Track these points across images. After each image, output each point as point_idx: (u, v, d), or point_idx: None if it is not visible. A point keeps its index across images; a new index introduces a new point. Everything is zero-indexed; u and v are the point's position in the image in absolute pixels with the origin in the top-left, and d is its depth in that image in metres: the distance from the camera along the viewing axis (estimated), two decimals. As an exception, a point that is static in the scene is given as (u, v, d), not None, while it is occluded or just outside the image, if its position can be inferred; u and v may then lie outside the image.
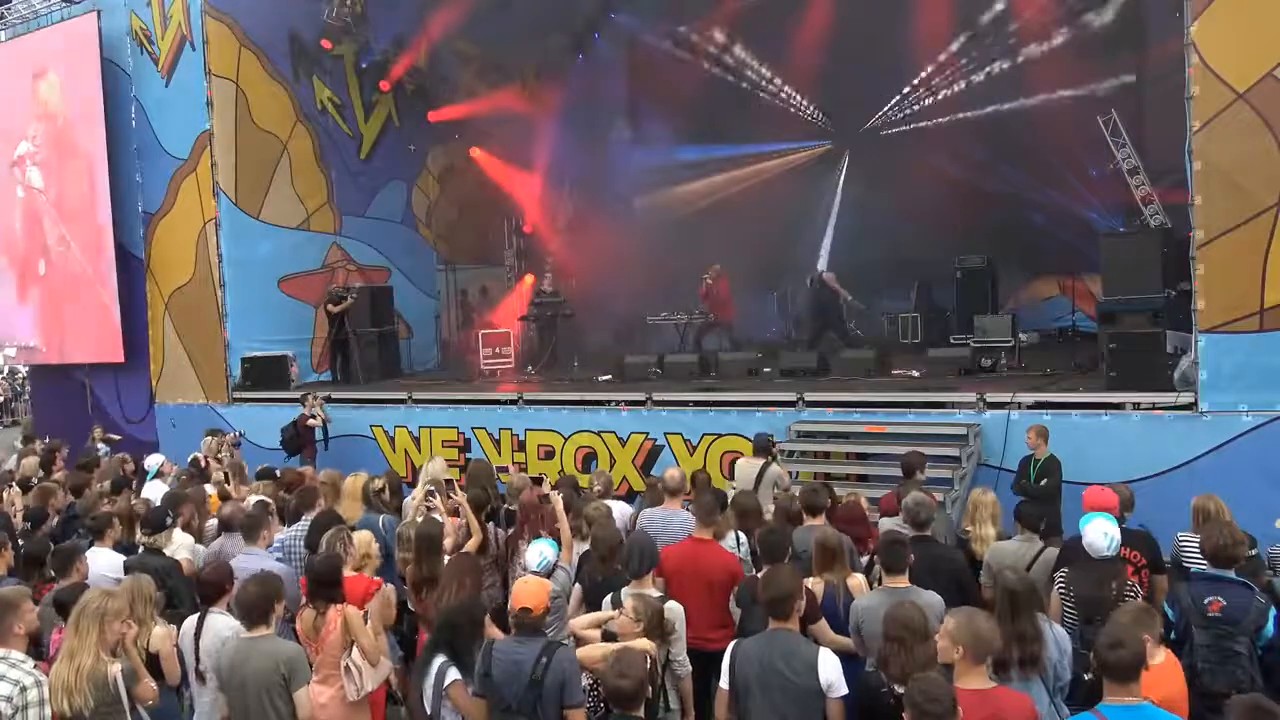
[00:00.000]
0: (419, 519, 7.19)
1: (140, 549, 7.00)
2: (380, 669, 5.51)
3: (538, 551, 5.93)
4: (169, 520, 7.12)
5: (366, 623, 5.51)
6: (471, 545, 6.92)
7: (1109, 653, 3.95)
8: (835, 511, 7.03)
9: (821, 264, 18.17)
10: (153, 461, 10.56)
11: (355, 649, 5.42)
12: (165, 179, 16.33)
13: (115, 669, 4.73)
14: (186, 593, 6.50)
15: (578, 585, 6.22)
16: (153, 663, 5.40)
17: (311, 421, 13.31)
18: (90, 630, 4.71)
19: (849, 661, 5.07)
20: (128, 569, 6.55)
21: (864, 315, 16.89)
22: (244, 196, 15.97)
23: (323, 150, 17.11)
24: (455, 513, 7.38)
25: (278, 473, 9.86)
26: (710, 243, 19.54)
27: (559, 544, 6.34)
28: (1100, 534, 5.55)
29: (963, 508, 8.31)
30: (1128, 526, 6.47)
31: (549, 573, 5.92)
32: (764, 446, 9.19)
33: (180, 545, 7.20)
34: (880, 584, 5.56)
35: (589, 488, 8.59)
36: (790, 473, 10.72)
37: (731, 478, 11.11)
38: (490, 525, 7.28)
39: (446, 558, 6.47)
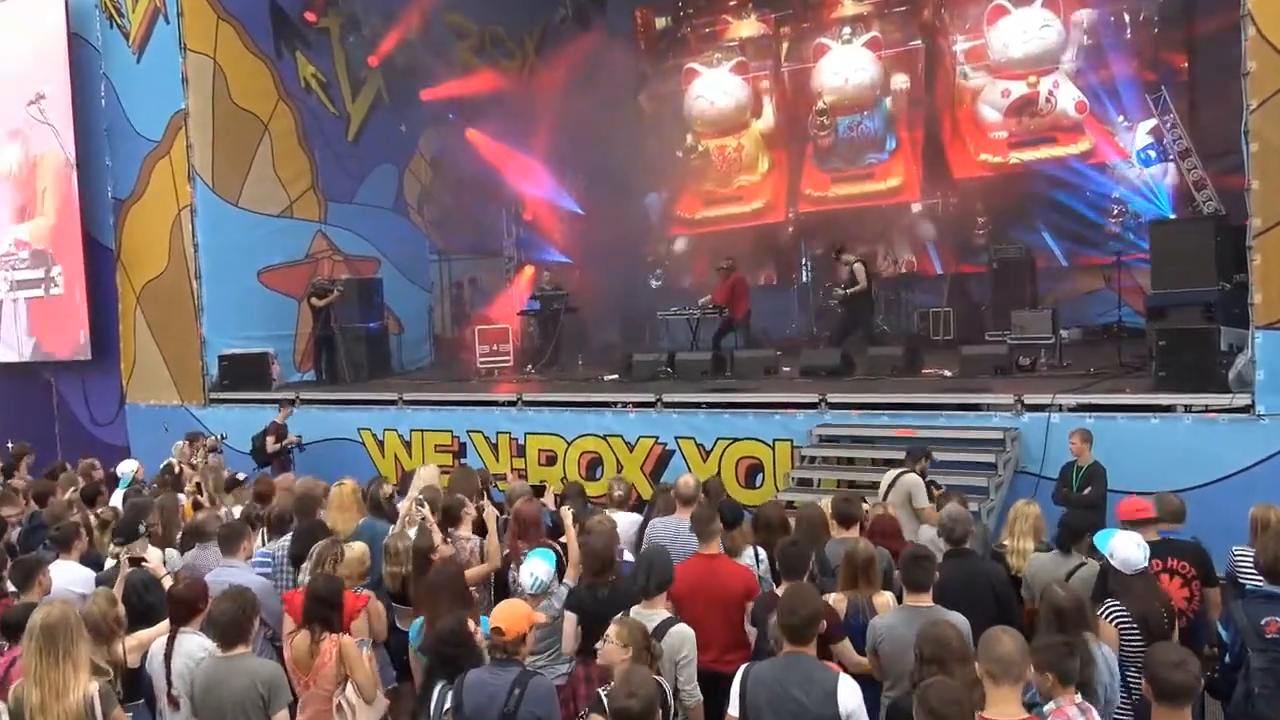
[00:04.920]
0: (410, 531, 7.17)
1: (115, 561, 6.98)
2: (376, 706, 5.47)
3: (528, 570, 5.86)
4: (143, 528, 7.11)
5: (363, 652, 5.49)
6: (487, 567, 6.94)
7: (1172, 672, 3.99)
8: (867, 524, 7.01)
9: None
10: (126, 468, 10.55)
11: (349, 685, 5.37)
12: (137, 162, 16.34)
13: (93, 688, 4.69)
14: (163, 610, 6.50)
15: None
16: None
17: (283, 443, 13.30)
18: (57, 648, 4.63)
19: (865, 685, 5.06)
20: (101, 582, 6.56)
21: (892, 310, 16.87)
22: (221, 181, 15.98)
23: (307, 131, 17.11)
24: (481, 529, 7.34)
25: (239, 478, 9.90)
26: (726, 231, 19.59)
27: (556, 557, 6.28)
28: (1135, 545, 5.55)
29: (999, 518, 8.28)
30: (1177, 537, 6.44)
31: (544, 592, 5.88)
32: (912, 454, 8.90)
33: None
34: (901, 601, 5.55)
35: (608, 494, 8.50)
36: (814, 480, 10.77)
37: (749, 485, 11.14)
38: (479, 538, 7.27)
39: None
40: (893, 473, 8.62)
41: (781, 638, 4.83)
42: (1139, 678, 5.08)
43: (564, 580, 6.26)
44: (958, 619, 5.22)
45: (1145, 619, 5.43)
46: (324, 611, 5.48)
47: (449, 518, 7.34)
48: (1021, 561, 6.74)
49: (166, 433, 14.29)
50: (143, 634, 5.80)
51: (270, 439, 13.29)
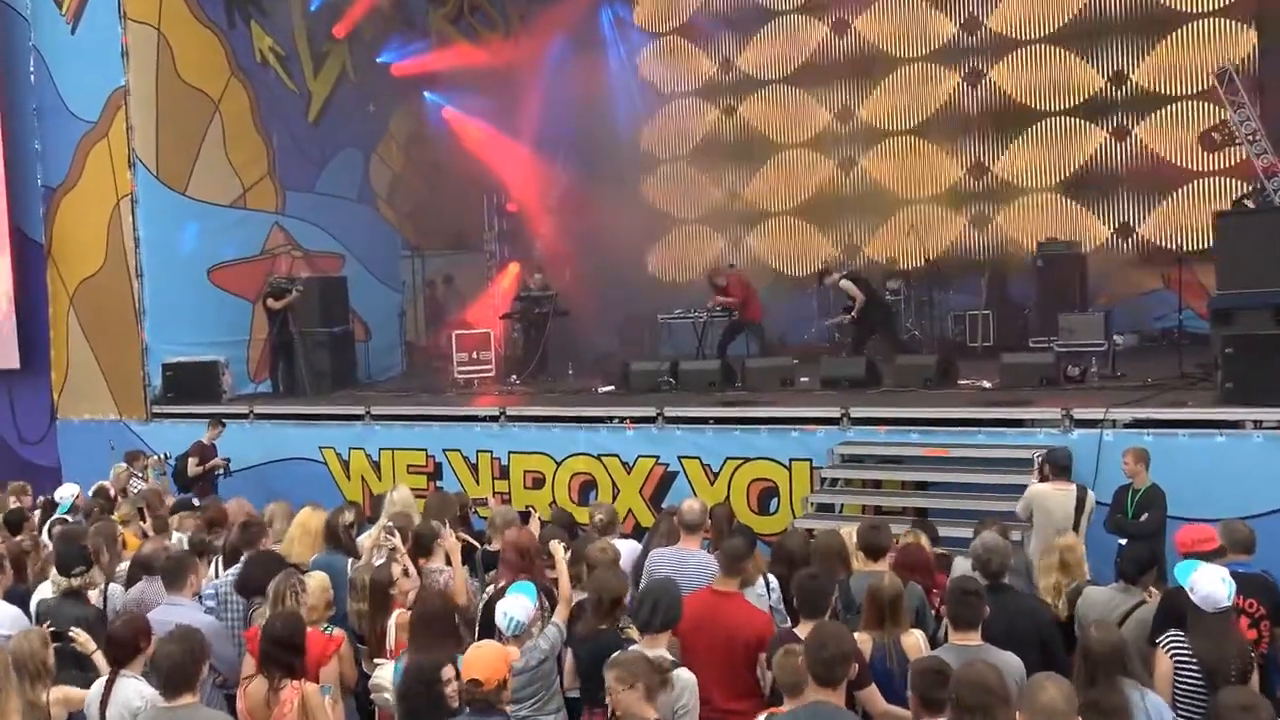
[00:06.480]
0: (379, 562, 7.16)
1: (54, 591, 6.95)
2: None
3: (501, 610, 5.83)
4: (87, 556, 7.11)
5: (326, 699, 5.47)
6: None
7: (1241, 717, 4.06)
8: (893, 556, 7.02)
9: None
10: (65, 493, 10.47)
11: None
12: (70, 146, 16.34)
13: None
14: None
15: (570, 649, 6.12)
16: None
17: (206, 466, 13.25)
18: None
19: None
20: (40, 617, 6.55)
21: (924, 313, 16.87)
22: (166, 167, 15.99)
23: (263, 111, 17.13)
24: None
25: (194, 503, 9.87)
26: (736, 224, 19.58)
27: (536, 593, 6.24)
28: (1218, 581, 5.48)
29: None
30: (1245, 570, 6.44)
31: (521, 633, 5.84)
32: (1067, 465, 8.82)
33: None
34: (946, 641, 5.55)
35: (589, 522, 8.51)
36: (835, 506, 10.76)
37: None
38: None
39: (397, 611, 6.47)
40: (1062, 490, 8.52)
41: (791, 680, 4.83)
42: None
43: (554, 620, 6.24)
44: (1010, 660, 5.22)
45: (1213, 667, 5.35)
46: (284, 655, 5.46)
47: (420, 547, 7.31)
48: (1056, 600, 6.74)
49: (113, 451, 14.23)
50: (72, 692, 5.74)
51: (193, 460, 13.16)
